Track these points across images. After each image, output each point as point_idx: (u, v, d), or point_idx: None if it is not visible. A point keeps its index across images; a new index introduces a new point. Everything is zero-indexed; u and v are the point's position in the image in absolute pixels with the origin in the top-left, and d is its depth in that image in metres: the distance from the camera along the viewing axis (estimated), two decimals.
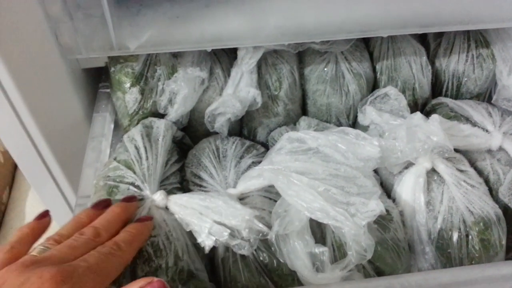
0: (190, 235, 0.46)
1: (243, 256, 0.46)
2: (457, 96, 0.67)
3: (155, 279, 0.35)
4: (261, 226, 0.45)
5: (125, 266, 0.39)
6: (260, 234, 0.45)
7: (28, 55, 0.52)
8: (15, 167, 1.02)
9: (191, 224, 0.45)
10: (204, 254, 0.45)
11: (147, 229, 0.43)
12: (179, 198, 0.47)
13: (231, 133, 0.62)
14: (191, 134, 0.63)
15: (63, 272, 0.32)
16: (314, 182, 0.45)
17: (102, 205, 0.43)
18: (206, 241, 0.44)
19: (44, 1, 0.49)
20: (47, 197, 0.71)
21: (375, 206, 0.44)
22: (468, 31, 0.66)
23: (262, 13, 0.55)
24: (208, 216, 0.45)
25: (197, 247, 0.46)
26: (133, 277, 0.42)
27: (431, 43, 0.69)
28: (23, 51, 0.51)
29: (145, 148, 0.51)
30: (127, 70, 0.58)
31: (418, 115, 0.52)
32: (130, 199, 0.45)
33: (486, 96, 0.68)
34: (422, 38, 0.69)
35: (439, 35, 0.68)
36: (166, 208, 0.47)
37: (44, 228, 0.41)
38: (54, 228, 0.39)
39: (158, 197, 0.46)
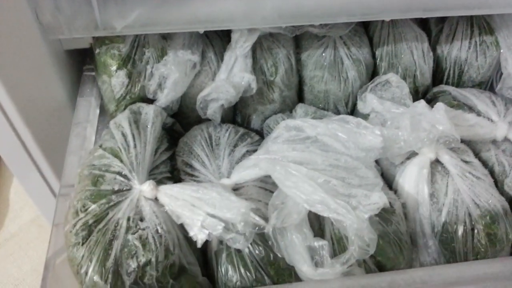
0: (182, 227, 0.43)
1: (237, 250, 0.44)
2: (459, 84, 0.64)
3: None
4: (257, 219, 0.42)
5: None
6: (256, 228, 0.42)
7: (5, 35, 0.48)
8: None
9: (182, 216, 0.42)
10: (197, 247, 0.43)
11: None
12: (169, 189, 0.44)
13: (224, 120, 0.59)
14: (182, 120, 0.60)
15: None
16: (314, 173, 0.43)
17: None
18: (199, 235, 0.41)
19: None
20: (30, 185, 0.68)
21: (378, 198, 0.42)
22: (471, 17, 0.63)
23: None
24: (200, 208, 0.42)
25: (189, 240, 0.43)
26: (119, 273, 0.40)
27: (432, 29, 0.66)
28: None
29: (133, 135, 0.48)
30: (113, 52, 0.54)
31: (422, 103, 0.49)
32: None
33: (488, 85, 0.66)
34: (423, 24, 0.67)
35: (441, 20, 0.65)
36: (156, 199, 0.44)
37: None
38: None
39: (147, 187, 0.43)
